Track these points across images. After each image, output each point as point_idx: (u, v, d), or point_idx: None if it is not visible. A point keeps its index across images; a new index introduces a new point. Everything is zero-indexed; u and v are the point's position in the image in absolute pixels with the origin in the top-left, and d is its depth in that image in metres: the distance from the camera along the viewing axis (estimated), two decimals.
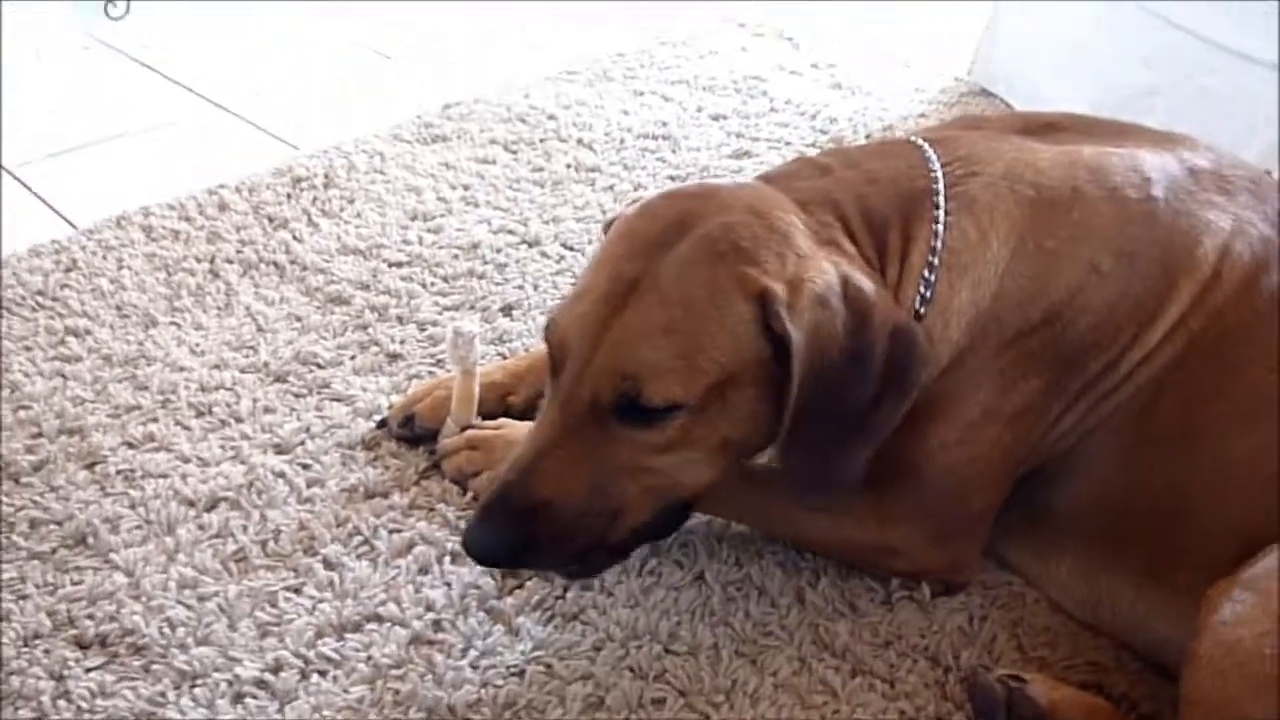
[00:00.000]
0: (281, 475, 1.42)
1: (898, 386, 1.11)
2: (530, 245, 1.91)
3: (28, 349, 1.64)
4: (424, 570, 1.29)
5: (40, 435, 1.48)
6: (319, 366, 1.62)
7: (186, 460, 1.45)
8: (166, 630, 1.22)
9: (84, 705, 1.14)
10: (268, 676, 1.17)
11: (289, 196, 2.03)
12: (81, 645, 1.21)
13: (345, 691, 1.16)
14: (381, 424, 1.50)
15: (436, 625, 1.23)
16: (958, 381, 1.18)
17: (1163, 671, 1.16)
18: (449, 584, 1.28)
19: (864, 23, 2.90)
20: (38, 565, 1.29)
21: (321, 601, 1.26)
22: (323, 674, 1.18)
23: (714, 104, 2.42)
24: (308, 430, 1.50)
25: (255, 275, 1.83)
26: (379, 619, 1.24)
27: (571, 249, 1.90)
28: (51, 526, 1.35)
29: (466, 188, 2.09)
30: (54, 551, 1.31)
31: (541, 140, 2.26)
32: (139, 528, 1.35)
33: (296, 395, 1.57)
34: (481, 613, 1.25)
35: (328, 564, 1.30)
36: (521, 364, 1.54)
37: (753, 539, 1.34)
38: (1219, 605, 0.98)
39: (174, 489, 1.40)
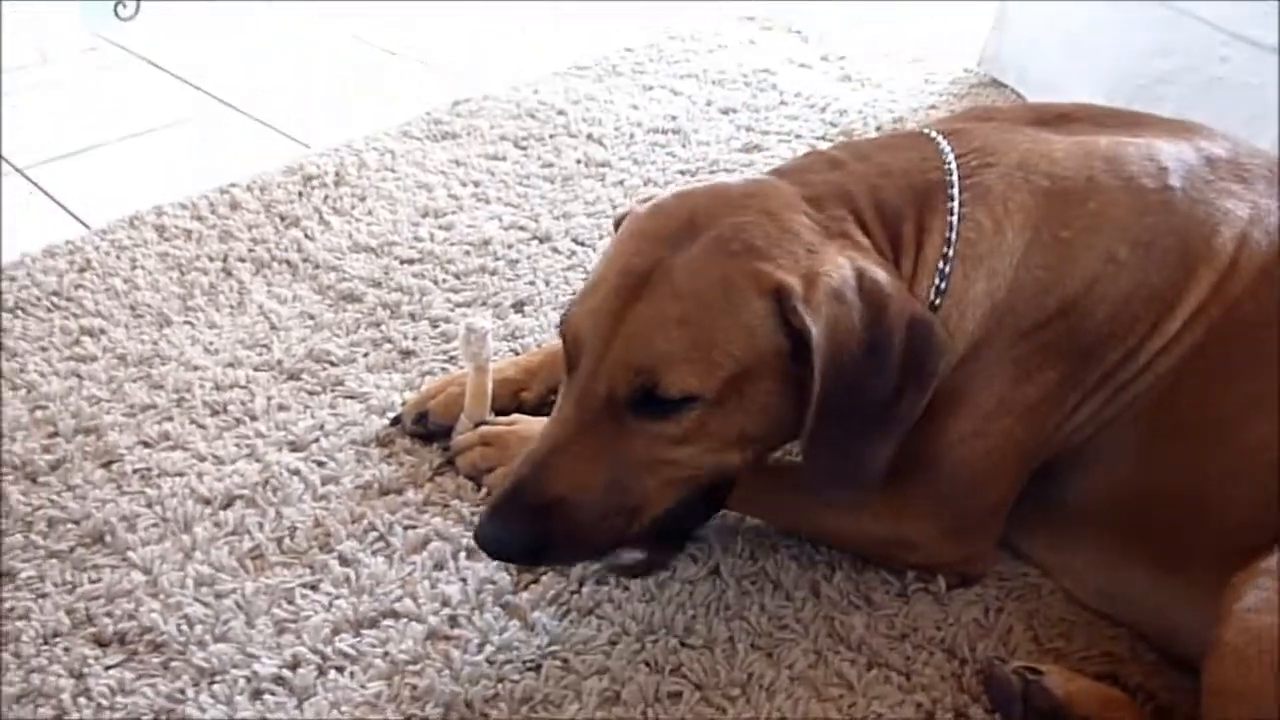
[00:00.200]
0: (296, 473, 1.43)
1: (916, 378, 1.10)
2: (541, 241, 1.92)
3: (43, 349, 1.65)
4: (439, 566, 1.30)
5: (57, 434, 1.49)
6: (332, 364, 1.63)
7: (202, 458, 1.46)
8: (185, 627, 1.22)
9: (104, 702, 1.15)
10: (285, 673, 1.18)
11: (300, 195, 2.04)
12: (100, 643, 1.21)
13: (363, 687, 1.16)
14: (395, 421, 1.50)
15: (452, 620, 1.23)
16: (973, 374, 1.17)
17: (1179, 662, 1.16)
18: (464, 579, 1.28)
19: (873, 14, 2.89)
20: (56, 564, 1.30)
21: (338, 598, 1.26)
22: (340, 670, 1.18)
23: (723, 98, 2.42)
24: (322, 428, 1.51)
25: (268, 274, 1.84)
26: (395, 615, 1.24)
27: (582, 244, 1.90)
28: (69, 525, 1.35)
29: (477, 184, 2.09)
30: (72, 550, 1.32)
31: (551, 136, 2.26)
32: (156, 526, 1.35)
33: (310, 393, 1.58)
34: (497, 608, 1.25)
35: (344, 560, 1.31)
36: (534, 359, 1.54)
37: (767, 533, 1.33)
38: (1244, 593, 0.97)
39: (190, 487, 1.40)
